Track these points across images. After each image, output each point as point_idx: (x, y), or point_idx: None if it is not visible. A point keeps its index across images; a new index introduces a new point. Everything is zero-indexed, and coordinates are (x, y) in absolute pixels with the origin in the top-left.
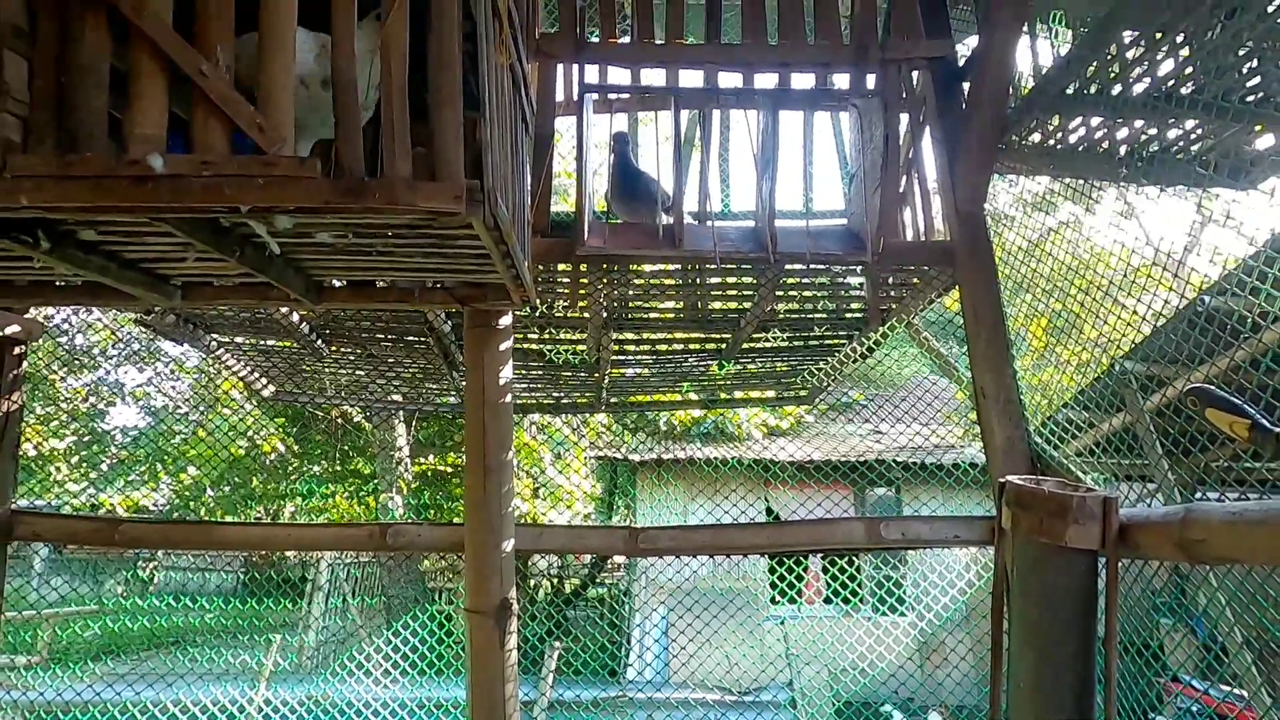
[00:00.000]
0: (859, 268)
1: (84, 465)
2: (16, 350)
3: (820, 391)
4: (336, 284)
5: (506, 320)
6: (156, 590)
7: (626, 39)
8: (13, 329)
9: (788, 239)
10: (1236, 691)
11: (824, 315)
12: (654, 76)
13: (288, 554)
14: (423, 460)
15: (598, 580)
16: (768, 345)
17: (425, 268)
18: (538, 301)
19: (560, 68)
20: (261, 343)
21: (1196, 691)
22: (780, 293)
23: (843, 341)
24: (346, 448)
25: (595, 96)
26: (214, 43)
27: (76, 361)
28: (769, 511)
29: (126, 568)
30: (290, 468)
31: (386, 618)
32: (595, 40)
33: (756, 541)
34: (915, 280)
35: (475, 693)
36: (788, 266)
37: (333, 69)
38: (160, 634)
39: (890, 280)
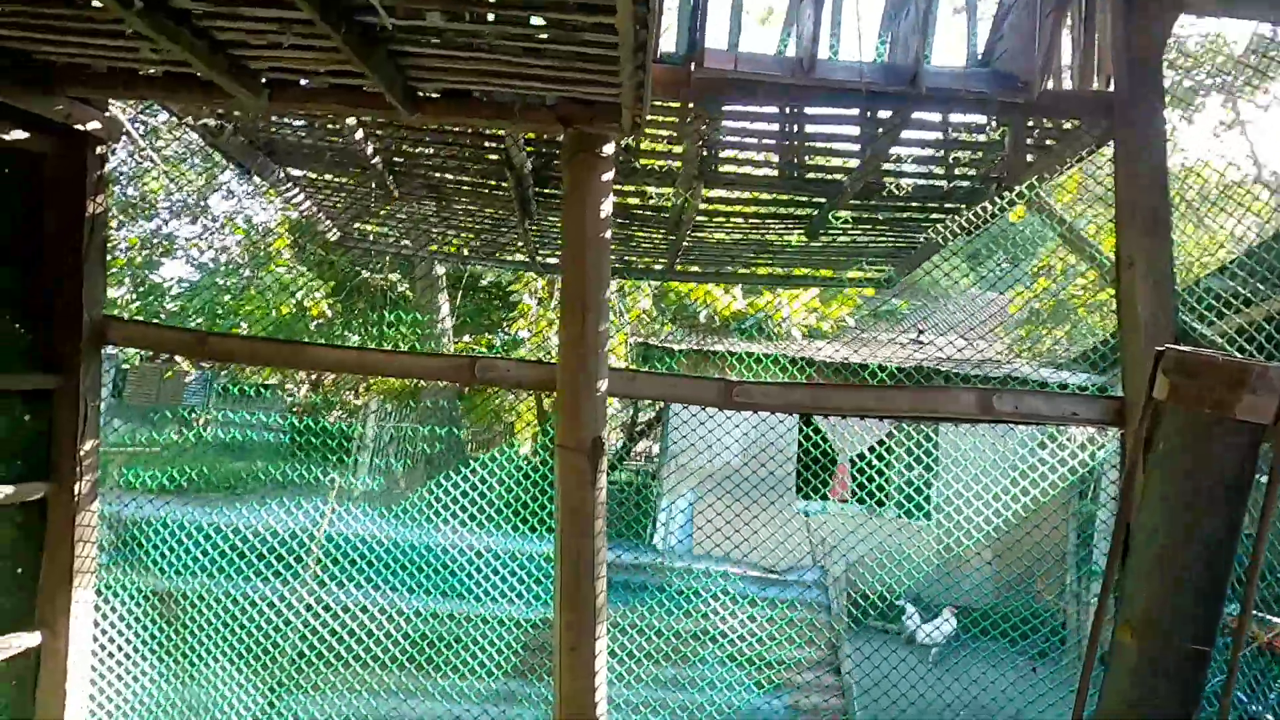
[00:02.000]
0: (994, 120)
1: (141, 314)
2: (99, 150)
3: (912, 268)
4: (432, 95)
5: (609, 149)
6: (210, 434)
7: None
8: (94, 125)
9: (928, 77)
10: None
11: (939, 177)
12: None
13: (330, 417)
14: (457, 340)
15: (623, 465)
16: (864, 214)
17: (530, 75)
18: (627, 141)
19: None
20: (330, 178)
21: None
22: (897, 147)
23: (948, 213)
24: (390, 316)
25: None
26: None
27: (131, 210)
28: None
29: (181, 415)
30: (334, 334)
31: (426, 477)
32: None
33: (860, 403)
34: (1051, 141)
35: (565, 526)
36: (913, 115)
37: None
38: (217, 480)
39: (1033, 135)
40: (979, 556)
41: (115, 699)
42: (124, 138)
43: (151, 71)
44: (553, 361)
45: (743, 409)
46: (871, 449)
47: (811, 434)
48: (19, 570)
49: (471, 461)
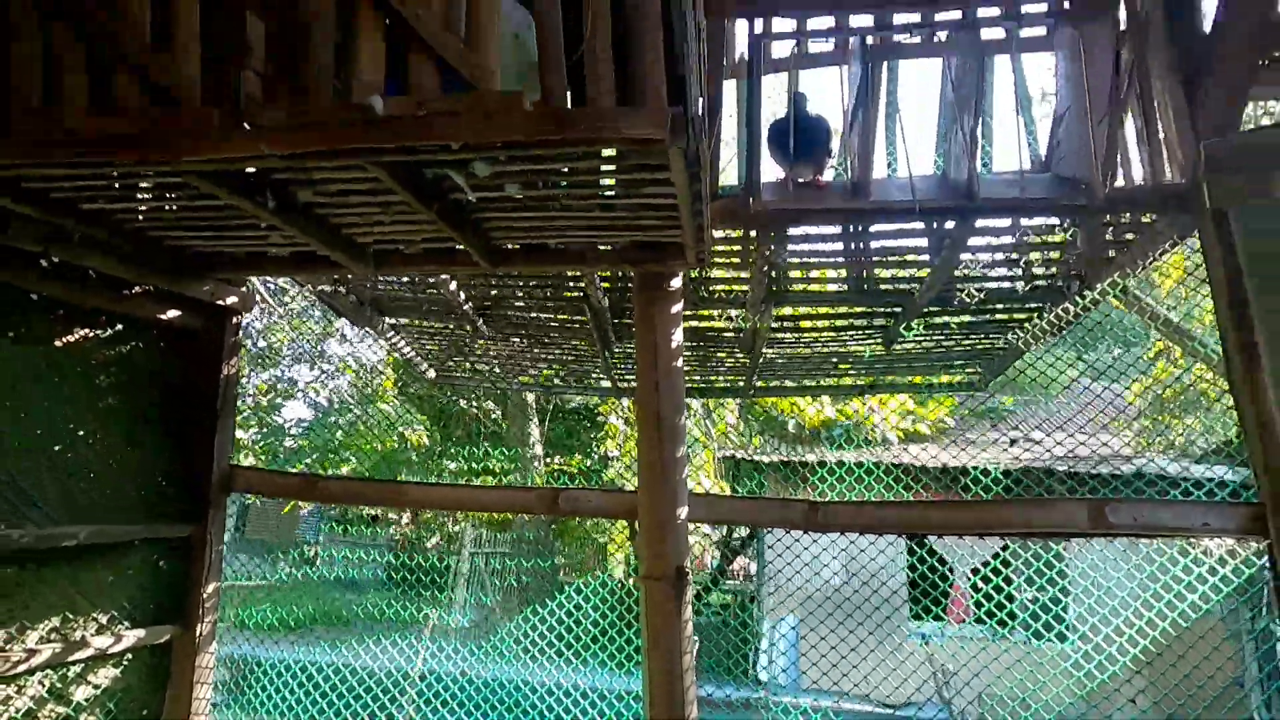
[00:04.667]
0: (1064, 222)
1: (265, 454)
2: (234, 320)
3: (1000, 370)
4: (513, 249)
5: (677, 282)
6: (318, 571)
7: None
8: (232, 299)
9: (985, 187)
10: None
11: (1015, 279)
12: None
13: (429, 545)
14: (548, 461)
15: (720, 584)
16: (942, 320)
17: (600, 225)
18: (696, 271)
19: (725, 24)
20: (428, 324)
21: None
22: (965, 254)
23: (1031, 313)
24: (486, 444)
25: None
26: None
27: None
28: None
29: (295, 548)
30: (431, 464)
31: (520, 607)
32: None
33: (958, 520)
34: (1130, 235)
35: (653, 661)
36: (978, 224)
37: (536, 12)
38: (323, 615)
39: (1108, 234)
40: (1129, 685)
41: None
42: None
43: (280, 253)
44: (634, 490)
45: (829, 531)
46: (986, 563)
47: (917, 546)
48: (143, 712)
49: (566, 587)
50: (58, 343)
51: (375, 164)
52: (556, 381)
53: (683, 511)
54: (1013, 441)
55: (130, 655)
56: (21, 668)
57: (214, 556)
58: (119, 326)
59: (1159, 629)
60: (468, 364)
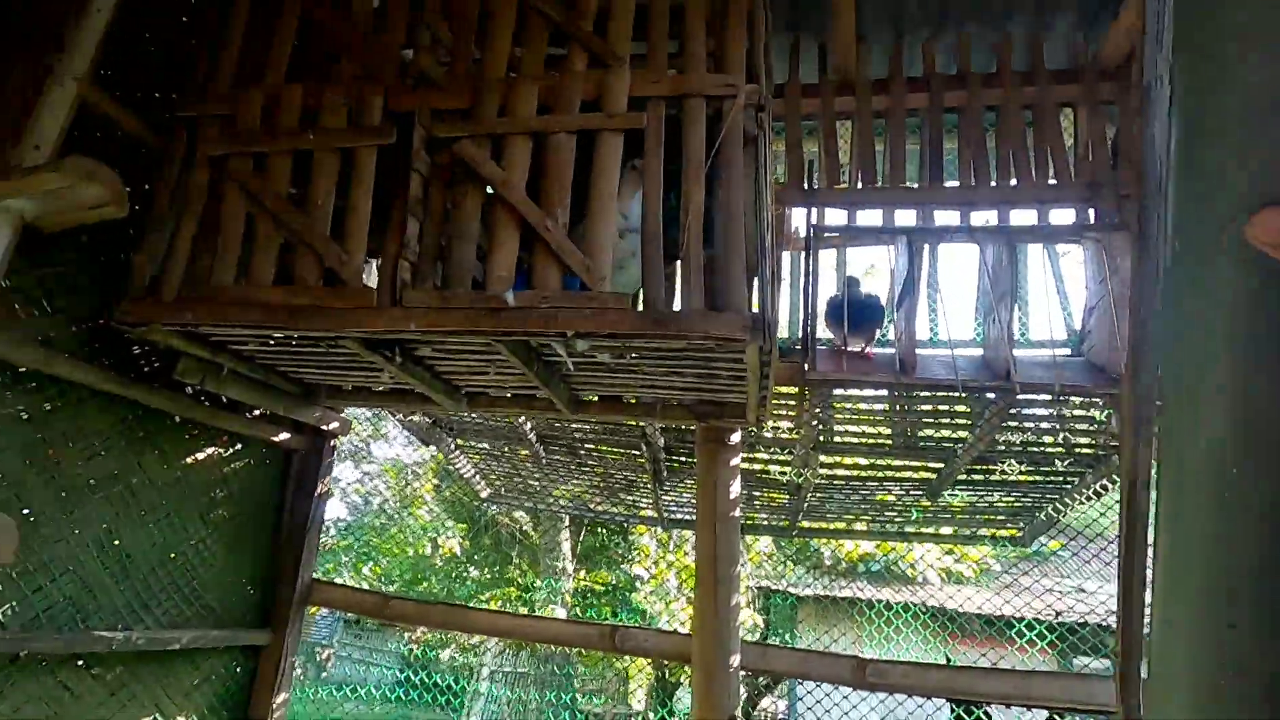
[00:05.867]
0: (1100, 400)
1: None
2: (332, 442)
3: (1042, 531)
4: (592, 398)
5: (737, 437)
6: (328, 678)
7: (846, 184)
8: (334, 424)
9: (1022, 370)
10: None
11: (1057, 449)
12: (867, 217)
13: (443, 661)
14: (578, 574)
15: None
16: (984, 479)
17: (673, 385)
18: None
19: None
20: (491, 448)
21: None
22: (1010, 422)
23: (1073, 479)
24: (513, 555)
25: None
26: (555, 205)
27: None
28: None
29: (305, 652)
30: (455, 573)
31: None
32: (819, 187)
33: (1001, 689)
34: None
35: None
36: (1020, 396)
37: (643, 230)
38: None
39: None
40: None
41: None
42: None
43: (381, 389)
44: (687, 633)
45: (876, 690)
46: None
47: (964, 710)
48: None
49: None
50: (188, 459)
51: (499, 341)
52: (603, 507)
53: (735, 659)
54: (1058, 614)
55: None
56: None
57: (287, 665)
58: (237, 446)
59: None
60: (519, 483)
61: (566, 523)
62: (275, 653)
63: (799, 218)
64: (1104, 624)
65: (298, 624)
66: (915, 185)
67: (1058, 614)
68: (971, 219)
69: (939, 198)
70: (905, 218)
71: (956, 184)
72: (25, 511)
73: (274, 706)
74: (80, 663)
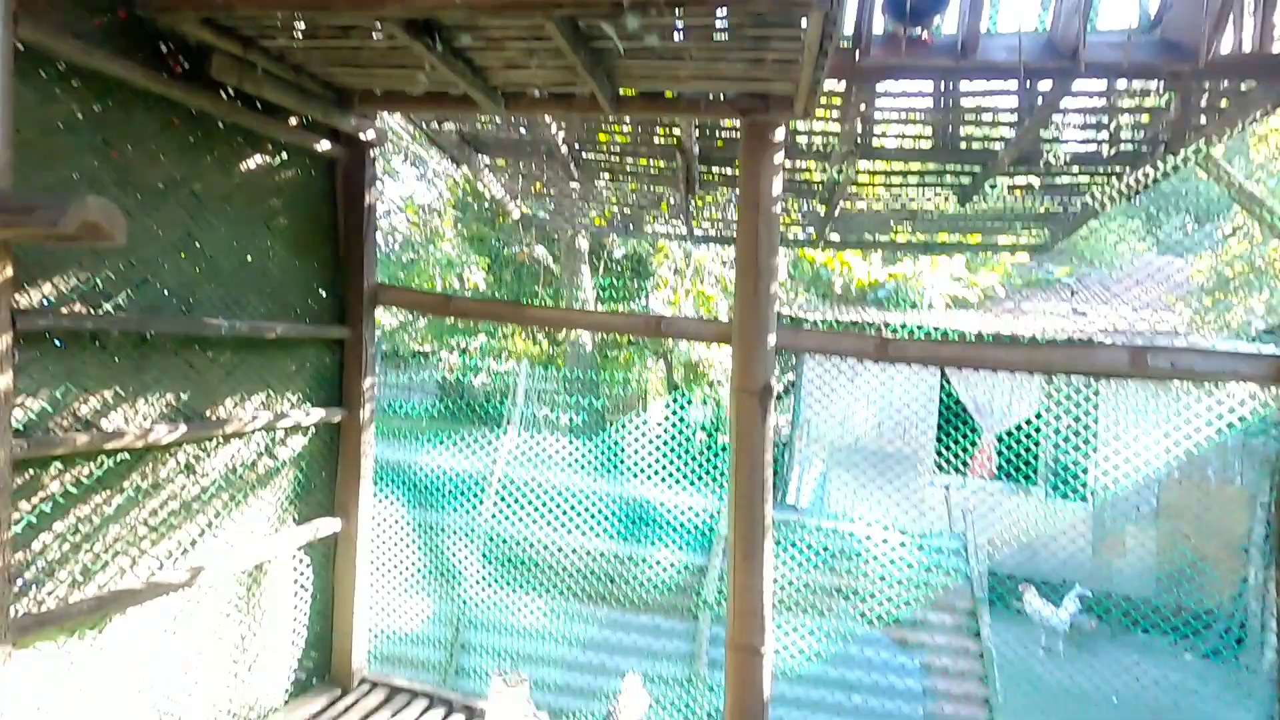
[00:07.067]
0: (1160, 86)
1: None
2: (371, 153)
3: (1070, 232)
4: (632, 93)
5: (780, 133)
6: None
7: None
8: (370, 134)
9: (1090, 49)
10: None
11: (1101, 142)
12: None
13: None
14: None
15: None
16: (1019, 179)
17: (720, 75)
18: (792, 123)
19: None
20: (522, 166)
21: None
22: (1056, 115)
23: (1110, 175)
24: (533, 288)
25: None
26: None
27: None
28: (943, 388)
29: None
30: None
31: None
32: None
33: (1011, 359)
34: (1223, 102)
35: (739, 456)
36: (1075, 87)
37: None
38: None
39: (1203, 100)
40: (1143, 546)
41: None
42: None
43: (418, 91)
44: (720, 320)
45: (896, 361)
46: (1020, 427)
47: (946, 410)
48: (322, 473)
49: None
50: (241, 166)
51: (548, 19)
52: (632, 223)
53: (771, 338)
54: (1074, 307)
55: (313, 429)
56: (249, 426)
57: (369, 356)
58: (284, 155)
59: (1179, 481)
60: (550, 203)
61: (585, 255)
62: (356, 345)
63: None
64: (1100, 343)
65: (371, 321)
66: None
67: (1072, 307)
68: None
69: None
70: None
71: None
72: None
73: (364, 388)
74: (197, 346)
